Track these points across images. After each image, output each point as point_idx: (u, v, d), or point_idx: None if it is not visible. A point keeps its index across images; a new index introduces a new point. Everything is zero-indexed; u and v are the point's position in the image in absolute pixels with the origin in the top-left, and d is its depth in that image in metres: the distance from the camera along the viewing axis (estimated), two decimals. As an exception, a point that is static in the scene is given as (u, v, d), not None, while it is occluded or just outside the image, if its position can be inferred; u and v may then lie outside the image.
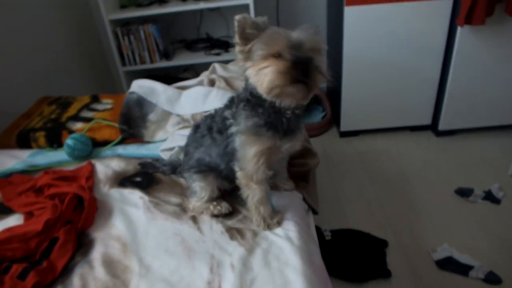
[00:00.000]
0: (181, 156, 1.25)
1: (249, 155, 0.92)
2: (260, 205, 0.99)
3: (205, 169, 1.06)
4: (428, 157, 2.29)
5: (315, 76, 0.82)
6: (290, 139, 0.96)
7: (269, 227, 1.00)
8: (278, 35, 0.83)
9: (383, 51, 2.24)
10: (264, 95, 0.86)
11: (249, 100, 0.92)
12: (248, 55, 0.87)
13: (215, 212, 1.06)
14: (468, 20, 1.95)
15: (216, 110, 1.06)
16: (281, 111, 0.90)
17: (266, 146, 0.92)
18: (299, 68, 0.80)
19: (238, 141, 0.93)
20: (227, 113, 0.97)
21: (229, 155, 0.98)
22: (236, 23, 0.85)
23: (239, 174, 0.98)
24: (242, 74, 0.92)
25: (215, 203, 1.07)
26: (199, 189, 1.06)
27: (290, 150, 1.00)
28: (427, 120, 2.48)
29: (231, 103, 0.99)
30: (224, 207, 1.07)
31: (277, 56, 0.82)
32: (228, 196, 1.12)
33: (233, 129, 0.94)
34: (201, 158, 1.06)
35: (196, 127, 1.11)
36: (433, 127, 2.50)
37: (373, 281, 1.55)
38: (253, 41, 0.85)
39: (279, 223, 1.01)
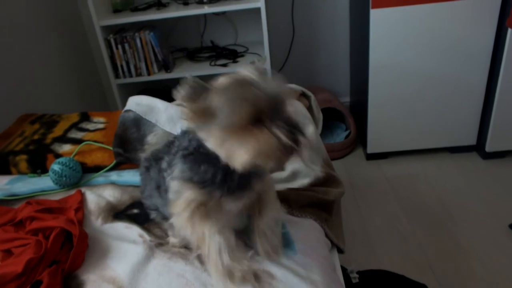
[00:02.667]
0: None
1: (180, 198, 0.88)
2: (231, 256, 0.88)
3: None
4: (474, 184, 2.27)
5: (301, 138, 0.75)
6: (236, 198, 0.89)
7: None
8: (249, 90, 0.73)
9: (416, 59, 2.26)
10: (231, 164, 0.78)
11: (192, 153, 0.87)
12: (203, 116, 0.78)
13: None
14: (521, 21, 1.95)
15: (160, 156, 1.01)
16: (233, 171, 0.82)
17: (199, 198, 0.86)
18: (289, 138, 0.72)
19: (171, 190, 0.90)
20: (164, 163, 0.95)
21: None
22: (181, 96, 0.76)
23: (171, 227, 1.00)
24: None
25: None
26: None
27: (237, 209, 0.93)
28: (471, 140, 2.47)
29: (169, 149, 0.97)
30: None
31: (254, 123, 0.73)
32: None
33: (168, 179, 0.93)
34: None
35: (147, 168, 1.07)
36: (478, 148, 2.49)
37: (412, 333, 1.52)
38: (211, 97, 0.76)
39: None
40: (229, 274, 0.86)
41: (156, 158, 1.03)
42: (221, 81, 0.78)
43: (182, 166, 0.88)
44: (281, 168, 0.82)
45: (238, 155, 0.75)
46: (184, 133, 0.91)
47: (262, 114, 0.73)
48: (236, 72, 0.79)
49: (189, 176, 0.86)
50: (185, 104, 0.77)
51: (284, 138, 0.72)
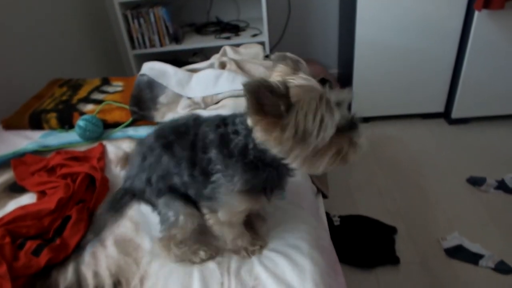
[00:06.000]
0: None
1: (233, 210, 0.82)
2: (238, 238, 0.88)
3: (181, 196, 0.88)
4: (440, 145, 2.28)
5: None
6: (276, 194, 0.83)
7: (252, 253, 0.89)
8: (334, 108, 0.67)
9: (396, 36, 2.21)
10: (302, 170, 0.73)
11: (251, 161, 0.75)
12: (284, 134, 0.66)
13: (205, 257, 0.89)
14: (487, 4, 1.91)
15: (197, 137, 0.82)
16: (282, 171, 0.78)
17: (254, 205, 0.83)
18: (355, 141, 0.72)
19: (226, 196, 0.79)
20: (214, 154, 0.78)
21: (205, 197, 0.83)
22: (247, 95, 0.63)
23: (208, 217, 0.85)
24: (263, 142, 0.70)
25: (205, 248, 0.90)
26: (184, 220, 0.85)
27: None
28: (440, 107, 2.45)
29: (223, 142, 0.78)
30: (214, 251, 0.91)
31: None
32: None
33: (220, 179, 0.78)
34: (174, 187, 0.86)
35: (165, 145, 0.85)
36: (446, 115, 2.48)
37: (382, 267, 1.56)
38: (293, 117, 0.65)
39: (262, 247, 0.90)
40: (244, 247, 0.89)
41: (180, 134, 0.85)
42: (305, 95, 0.66)
43: (244, 172, 0.76)
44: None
45: (320, 165, 0.70)
46: (245, 129, 0.75)
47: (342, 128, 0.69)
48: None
49: (251, 184, 0.77)
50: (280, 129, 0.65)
51: (355, 149, 0.71)
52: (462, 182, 1.96)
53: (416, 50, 2.25)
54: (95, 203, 1.07)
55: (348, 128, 0.70)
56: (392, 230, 1.70)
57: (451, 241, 1.62)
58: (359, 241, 1.65)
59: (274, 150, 0.69)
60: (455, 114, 2.38)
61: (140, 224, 1.01)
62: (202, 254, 0.89)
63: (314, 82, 0.70)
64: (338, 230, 1.69)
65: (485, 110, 2.37)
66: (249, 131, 0.72)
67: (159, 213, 0.89)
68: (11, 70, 1.85)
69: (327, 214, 1.72)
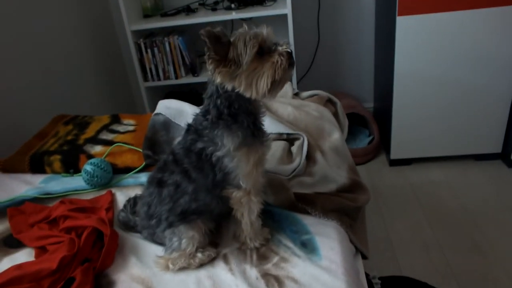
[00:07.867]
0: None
1: (247, 168, 0.99)
2: (256, 219, 1.07)
3: (192, 217, 1.06)
4: (499, 193, 2.21)
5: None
6: (265, 140, 1.05)
7: (260, 241, 1.09)
8: (254, 34, 0.93)
9: (441, 67, 2.22)
10: (257, 96, 0.94)
11: (228, 114, 0.97)
12: (230, 68, 0.93)
13: (206, 260, 1.06)
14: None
15: (174, 154, 1.06)
16: (255, 113, 1.02)
17: (258, 153, 1.01)
18: (290, 57, 0.95)
19: (231, 161, 0.98)
20: (200, 144, 1.00)
21: (220, 183, 1.02)
22: (205, 38, 0.89)
23: (235, 195, 1.03)
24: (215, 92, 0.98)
25: (201, 249, 1.07)
26: (186, 242, 1.05)
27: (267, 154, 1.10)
28: (496, 148, 2.41)
29: (197, 134, 1.01)
30: (213, 251, 1.08)
31: (262, 53, 0.93)
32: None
33: (218, 153, 0.98)
34: (185, 208, 1.05)
35: (159, 182, 1.07)
36: (504, 156, 2.43)
37: None
38: (231, 51, 0.92)
39: (267, 240, 1.10)
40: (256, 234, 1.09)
41: (162, 169, 1.08)
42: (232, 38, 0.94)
43: (227, 130, 0.97)
44: (289, 79, 1.00)
45: (263, 81, 0.92)
46: (215, 105, 0.98)
47: (265, 47, 0.93)
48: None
49: (241, 134, 0.97)
50: (215, 61, 0.92)
51: (285, 56, 0.93)
52: (527, 236, 1.89)
53: (466, 82, 2.24)
54: (103, 263, 1.06)
55: (274, 48, 0.95)
56: (445, 296, 1.63)
57: (518, 311, 1.54)
58: (405, 309, 1.59)
59: (229, 86, 0.93)
60: (515, 155, 2.33)
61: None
62: (199, 256, 1.05)
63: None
64: (379, 295, 1.63)
65: (550, 151, 2.31)
66: (214, 97, 0.97)
67: (167, 241, 1.08)
68: (11, 104, 1.90)
69: (366, 275, 1.67)
